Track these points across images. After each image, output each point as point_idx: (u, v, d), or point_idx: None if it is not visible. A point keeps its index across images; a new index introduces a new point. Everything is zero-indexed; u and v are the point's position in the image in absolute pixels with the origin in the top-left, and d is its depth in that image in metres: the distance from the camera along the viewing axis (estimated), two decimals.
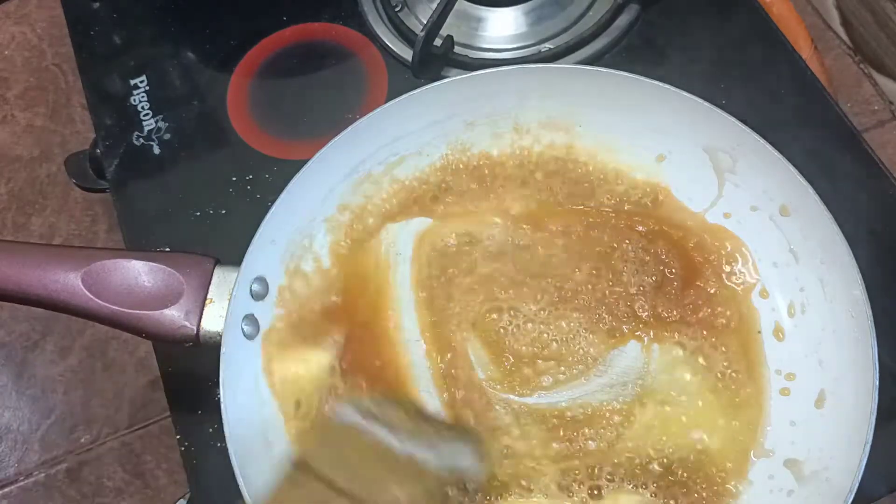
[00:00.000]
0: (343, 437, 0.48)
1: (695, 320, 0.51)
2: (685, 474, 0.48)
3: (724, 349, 0.51)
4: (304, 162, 0.51)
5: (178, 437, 0.54)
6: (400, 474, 0.47)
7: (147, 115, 0.67)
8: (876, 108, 1.05)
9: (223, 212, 0.61)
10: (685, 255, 0.53)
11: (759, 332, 0.51)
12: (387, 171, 0.56)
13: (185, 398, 0.55)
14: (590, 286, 0.53)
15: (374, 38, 0.68)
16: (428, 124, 0.55)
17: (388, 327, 0.52)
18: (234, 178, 0.62)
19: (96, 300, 0.46)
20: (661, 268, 0.53)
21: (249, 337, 0.49)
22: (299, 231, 0.53)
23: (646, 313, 0.52)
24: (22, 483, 0.99)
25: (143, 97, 0.67)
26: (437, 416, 0.49)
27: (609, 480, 0.48)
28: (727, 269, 0.52)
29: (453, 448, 0.48)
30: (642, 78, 0.52)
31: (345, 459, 0.48)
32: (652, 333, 0.51)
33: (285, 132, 0.65)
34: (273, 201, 0.50)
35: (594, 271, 0.53)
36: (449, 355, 0.51)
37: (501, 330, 0.52)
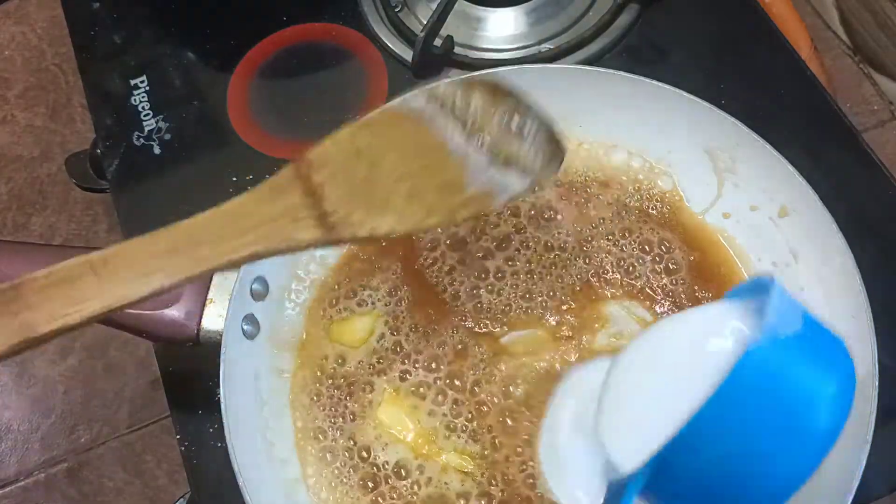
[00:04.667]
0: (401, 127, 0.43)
1: None
2: None
3: None
4: None
5: (178, 436, 0.54)
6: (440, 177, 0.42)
7: (147, 115, 0.67)
8: (876, 108, 1.05)
9: None
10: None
11: None
12: None
13: (185, 398, 0.55)
14: None
15: (374, 39, 0.67)
16: None
17: None
18: (234, 179, 0.62)
19: None
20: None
21: (250, 337, 0.49)
22: None
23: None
24: (22, 483, 0.99)
25: (143, 97, 0.67)
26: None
27: None
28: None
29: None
30: (642, 78, 0.52)
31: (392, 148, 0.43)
32: None
33: (285, 132, 0.65)
34: None
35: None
36: None
37: None
